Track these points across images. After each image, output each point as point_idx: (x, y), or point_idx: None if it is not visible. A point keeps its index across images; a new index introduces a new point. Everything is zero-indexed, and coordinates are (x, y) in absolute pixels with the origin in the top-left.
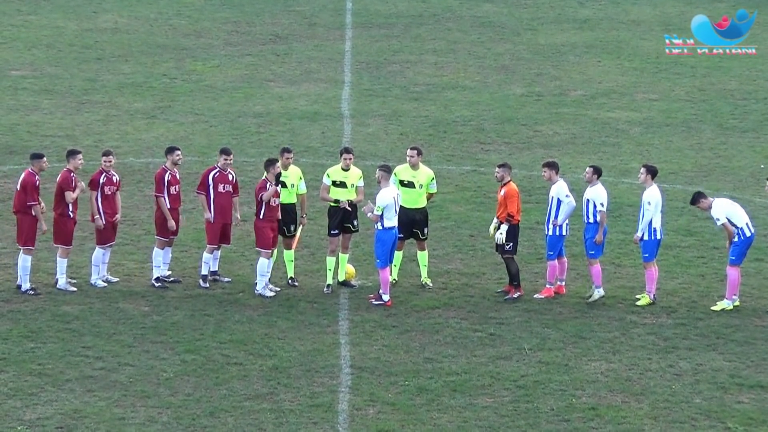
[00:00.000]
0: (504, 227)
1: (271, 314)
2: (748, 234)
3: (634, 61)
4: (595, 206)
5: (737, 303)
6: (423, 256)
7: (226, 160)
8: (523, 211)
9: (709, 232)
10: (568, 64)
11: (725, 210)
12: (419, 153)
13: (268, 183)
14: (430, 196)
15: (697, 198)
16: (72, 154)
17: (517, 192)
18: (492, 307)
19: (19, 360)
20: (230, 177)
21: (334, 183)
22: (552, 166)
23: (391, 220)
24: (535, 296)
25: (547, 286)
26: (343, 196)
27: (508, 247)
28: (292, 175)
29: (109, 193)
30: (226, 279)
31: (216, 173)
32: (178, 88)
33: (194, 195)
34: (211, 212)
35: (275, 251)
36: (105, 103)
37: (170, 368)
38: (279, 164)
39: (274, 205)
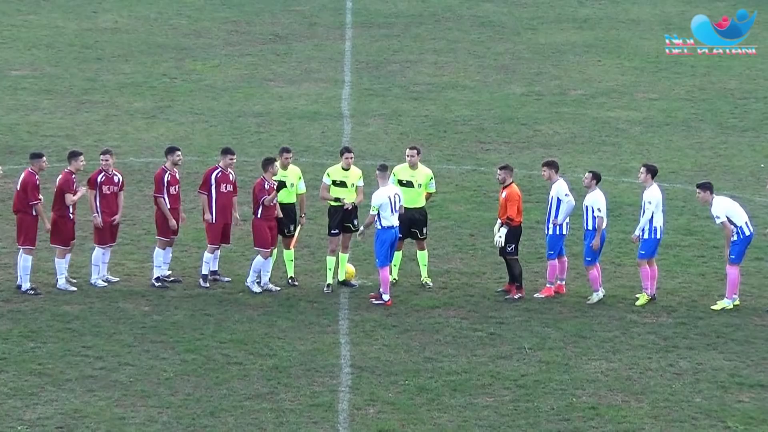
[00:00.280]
0: (503, 230)
1: (271, 314)
2: (747, 233)
3: (634, 60)
4: (593, 212)
5: (737, 302)
6: (423, 256)
7: (231, 159)
8: (524, 210)
9: (709, 231)
10: (568, 63)
11: (725, 208)
12: (418, 153)
13: (266, 182)
14: (428, 196)
15: (705, 185)
16: (74, 155)
17: (518, 195)
18: (492, 307)
19: (20, 360)
20: (231, 177)
21: (334, 182)
22: (551, 165)
23: (389, 219)
24: (535, 295)
25: (548, 285)
26: (344, 195)
27: (509, 249)
28: (292, 174)
29: (108, 192)
30: (227, 279)
31: (218, 173)
32: (178, 87)
33: (194, 195)
34: (212, 212)
35: (275, 251)
36: (105, 102)
37: (170, 368)
38: (277, 164)
39: (271, 204)
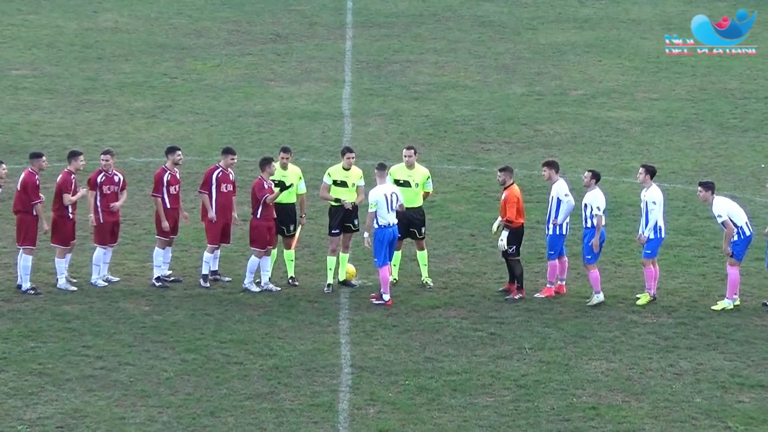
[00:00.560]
0: (504, 233)
1: (271, 314)
2: (747, 233)
3: (634, 60)
4: (592, 210)
5: (738, 302)
6: (423, 256)
7: (232, 159)
8: (524, 210)
9: (709, 231)
10: (569, 63)
11: (727, 208)
12: (415, 152)
13: (265, 182)
14: (426, 195)
15: (708, 184)
16: (73, 155)
17: (517, 196)
18: (492, 307)
19: (20, 359)
20: (231, 176)
21: (335, 182)
22: (552, 165)
23: (385, 218)
24: (535, 296)
25: (548, 285)
26: (344, 195)
27: (510, 250)
28: (292, 174)
29: (109, 192)
30: (227, 278)
31: (219, 173)
32: (179, 87)
33: (195, 195)
34: (212, 212)
35: (275, 251)
36: (105, 102)
37: (171, 368)
38: (275, 164)
39: (270, 204)
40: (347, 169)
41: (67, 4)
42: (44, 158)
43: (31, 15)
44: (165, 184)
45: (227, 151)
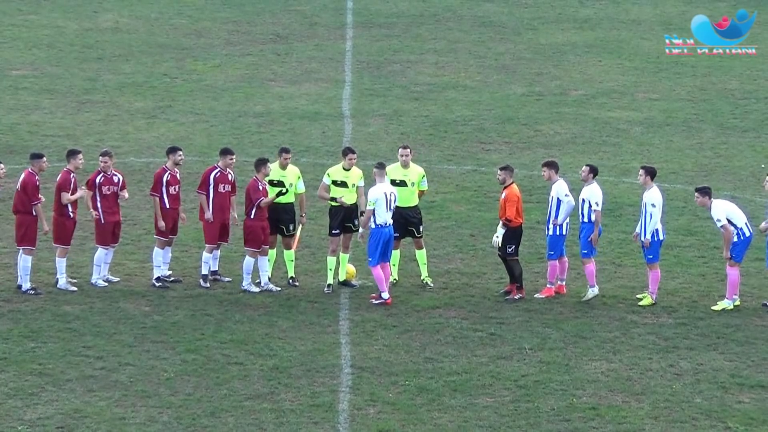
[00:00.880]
0: (501, 231)
1: (271, 314)
2: (747, 234)
3: (634, 60)
4: (590, 206)
5: (738, 303)
6: (422, 255)
7: (230, 160)
8: (524, 210)
9: (709, 231)
10: (569, 63)
11: (725, 210)
12: (411, 151)
13: (259, 183)
14: (420, 194)
15: (704, 190)
16: (72, 154)
17: (517, 196)
18: (492, 307)
19: (20, 360)
20: (230, 177)
21: (334, 182)
22: (551, 165)
23: (383, 216)
24: (535, 296)
25: (548, 285)
26: (344, 196)
27: (510, 250)
28: (291, 174)
29: (108, 192)
30: (227, 279)
31: (217, 173)
32: (179, 87)
33: (194, 195)
34: (209, 212)
35: (274, 251)
36: (106, 102)
37: (171, 368)
38: (271, 165)
39: (263, 207)
40: (347, 170)
41: (68, 5)
42: (45, 159)
43: (31, 15)
44: (164, 183)
45: (225, 152)
